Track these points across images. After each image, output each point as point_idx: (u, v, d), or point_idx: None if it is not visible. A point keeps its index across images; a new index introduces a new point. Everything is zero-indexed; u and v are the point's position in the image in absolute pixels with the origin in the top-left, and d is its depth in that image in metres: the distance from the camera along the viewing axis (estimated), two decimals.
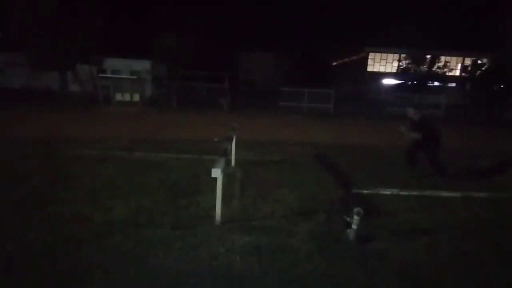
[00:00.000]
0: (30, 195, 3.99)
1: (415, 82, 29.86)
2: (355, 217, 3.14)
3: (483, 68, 30.55)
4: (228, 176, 4.75)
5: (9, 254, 2.74)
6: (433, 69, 30.43)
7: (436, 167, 5.59)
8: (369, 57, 38.53)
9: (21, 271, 2.54)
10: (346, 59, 45.21)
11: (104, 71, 19.78)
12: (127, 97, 15.41)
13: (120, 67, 21.46)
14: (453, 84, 34.92)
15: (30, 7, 14.35)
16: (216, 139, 7.75)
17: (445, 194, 4.88)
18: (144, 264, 2.71)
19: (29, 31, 14.49)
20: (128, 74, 20.54)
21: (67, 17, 15.22)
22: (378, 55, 38.49)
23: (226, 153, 4.00)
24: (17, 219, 3.35)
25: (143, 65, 22.08)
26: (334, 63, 49.76)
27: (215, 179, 3.28)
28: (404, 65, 31.44)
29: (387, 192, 4.82)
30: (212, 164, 3.32)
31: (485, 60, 31.22)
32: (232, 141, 5.25)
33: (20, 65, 17.99)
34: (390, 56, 37.93)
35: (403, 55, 32.15)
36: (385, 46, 36.56)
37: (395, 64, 35.45)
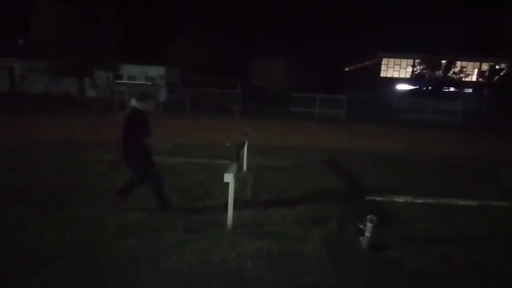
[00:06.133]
0: (48, 197, 4.12)
1: (430, 88, 29.31)
2: (368, 224, 3.10)
3: (501, 73, 29.72)
4: (240, 181, 4.78)
5: (28, 254, 2.84)
6: (449, 74, 29.81)
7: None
8: (383, 62, 38.09)
9: (40, 270, 2.62)
10: (359, 65, 44.86)
11: (120, 77, 20.32)
12: None
13: (136, 73, 22.02)
14: (470, 90, 34.08)
15: (51, 15, 14.91)
16: (228, 144, 7.81)
17: (461, 202, 4.75)
18: (156, 267, 2.75)
19: (50, 38, 15.03)
20: (143, 80, 21.05)
21: (86, 24, 15.72)
22: (391, 60, 37.97)
23: (238, 158, 4.03)
24: (35, 221, 3.46)
25: (157, 71, 22.55)
26: (347, 69, 49.45)
27: (227, 183, 3.31)
28: (419, 71, 30.94)
29: (401, 199, 4.73)
30: (225, 169, 3.36)
31: (503, 65, 30.36)
32: (244, 146, 5.28)
33: (41, 72, 18.69)
34: (404, 61, 37.39)
35: (417, 61, 31.65)
36: (399, 51, 36.05)
37: (409, 69, 34.92)
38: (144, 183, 3.79)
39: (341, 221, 3.79)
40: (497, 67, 31.05)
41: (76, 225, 3.39)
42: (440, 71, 29.71)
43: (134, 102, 3.77)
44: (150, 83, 18.90)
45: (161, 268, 2.74)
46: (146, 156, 3.71)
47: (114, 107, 15.27)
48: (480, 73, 35.88)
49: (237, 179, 3.69)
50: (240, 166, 5.21)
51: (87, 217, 3.61)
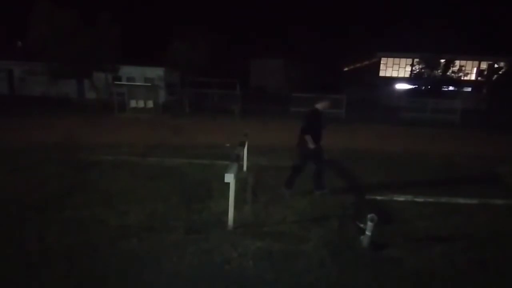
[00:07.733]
0: (49, 199, 4.12)
1: (429, 87, 29.32)
2: (369, 223, 3.11)
3: (500, 72, 29.76)
4: (240, 182, 4.78)
5: (29, 256, 2.84)
6: (448, 73, 29.82)
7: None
8: (381, 62, 38.13)
9: (41, 272, 2.62)
10: (358, 64, 44.89)
11: (119, 79, 20.33)
12: (141, 104, 15.72)
13: (135, 74, 22.06)
14: (469, 89, 34.13)
15: (50, 17, 14.90)
16: (228, 145, 7.82)
17: (462, 201, 4.76)
18: (158, 268, 2.75)
19: (49, 41, 15.02)
20: (143, 81, 21.07)
21: (86, 26, 15.71)
22: (390, 60, 38.04)
23: (238, 159, 4.03)
24: (36, 222, 3.46)
25: (156, 73, 22.59)
26: (346, 69, 49.47)
27: (228, 184, 3.31)
28: (418, 70, 30.96)
29: (402, 198, 4.74)
30: (225, 169, 3.36)
31: (502, 64, 30.39)
32: (244, 147, 5.28)
33: (40, 74, 18.71)
34: (403, 60, 37.44)
35: (416, 60, 31.66)
36: (397, 51, 36.09)
37: (408, 68, 34.95)
38: (324, 166, 4.71)
39: (341, 220, 3.79)
40: (496, 65, 31.10)
41: (77, 227, 3.40)
42: (439, 70, 29.71)
43: (317, 105, 4.62)
44: (149, 84, 18.89)
45: (162, 269, 2.74)
46: (318, 147, 4.56)
47: (113, 108, 15.27)
48: (479, 72, 35.94)
49: (238, 180, 3.69)
50: (240, 167, 5.21)
51: (88, 218, 3.61)
